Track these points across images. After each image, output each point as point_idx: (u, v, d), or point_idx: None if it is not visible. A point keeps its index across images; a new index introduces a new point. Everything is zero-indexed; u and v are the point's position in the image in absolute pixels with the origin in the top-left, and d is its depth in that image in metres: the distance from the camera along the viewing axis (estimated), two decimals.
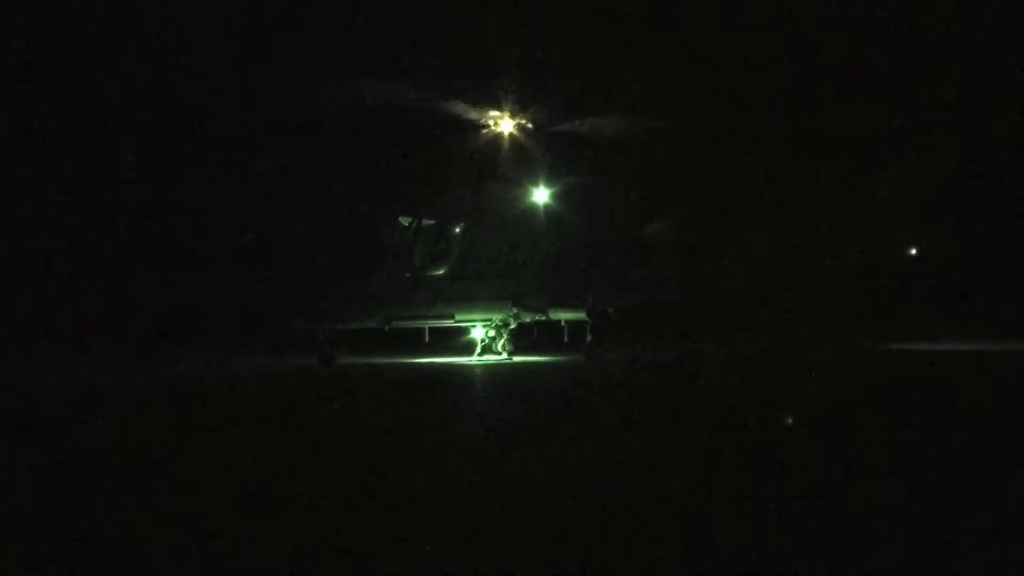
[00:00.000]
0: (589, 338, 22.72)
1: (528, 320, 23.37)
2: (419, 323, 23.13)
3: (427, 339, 23.66)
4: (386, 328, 22.68)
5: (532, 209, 23.22)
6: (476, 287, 22.72)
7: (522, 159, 22.98)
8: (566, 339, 23.58)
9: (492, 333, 23.52)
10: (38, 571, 4.86)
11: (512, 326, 23.34)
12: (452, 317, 22.95)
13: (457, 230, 23.02)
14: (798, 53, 28.49)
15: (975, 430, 9.09)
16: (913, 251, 24.43)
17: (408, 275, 22.51)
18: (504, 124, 22.87)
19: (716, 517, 5.67)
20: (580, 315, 22.85)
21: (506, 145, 22.96)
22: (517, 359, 22.64)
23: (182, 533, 5.48)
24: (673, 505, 6.02)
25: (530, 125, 22.85)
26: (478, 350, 23.59)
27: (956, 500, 6.00)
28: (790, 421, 10.00)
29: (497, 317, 23.17)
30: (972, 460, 7.39)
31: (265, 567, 4.85)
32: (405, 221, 23.14)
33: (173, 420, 11.46)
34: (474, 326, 23.71)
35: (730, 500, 6.12)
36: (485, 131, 22.89)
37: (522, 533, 5.37)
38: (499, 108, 22.70)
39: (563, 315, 23.22)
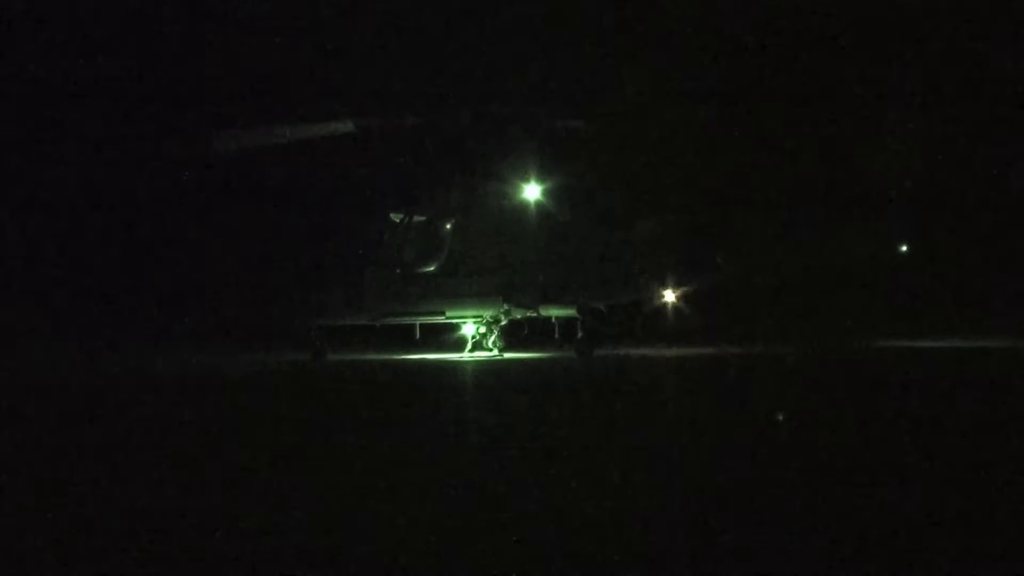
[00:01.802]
0: (580, 335, 22.74)
1: (519, 316, 23.36)
2: (410, 319, 23.14)
3: (418, 335, 23.67)
4: (377, 324, 22.72)
5: (523, 205, 23.22)
6: (467, 283, 22.74)
7: (513, 155, 22.97)
8: (557, 335, 23.58)
9: (483, 329, 23.50)
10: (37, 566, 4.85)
11: (503, 322, 23.32)
12: (443, 313, 22.95)
13: (448, 226, 23.04)
14: (791, 48, 28.53)
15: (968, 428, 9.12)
16: (904, 248, 24.46)
17: (399, 271, 22.54)
18: (497, 120, 22.87)
19: (708, 514, 5.68)
20: (571, 311, 22.87)
21: (499, 141, 22.94)
22: (508, 355, 22.64)
23: (178, 528, 5.47)
24: (666, 503, 6.03)
25: (523, 121, 22.84)
26: (468, 346, 23.57)
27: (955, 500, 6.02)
28: (780, 418, 10.02)
29: (488, 313, 23.16)
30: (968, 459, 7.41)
31: (257, 563, 4.85)
32: (396, 217, 23.16)
33: (164, 417, 11.43)
34: (465, 322, 23.70)
35: (720, 497, 6.13)
36: (477, 127, 22.87)
37: (513, 531, 5.37)
38: (493, 104, 22.70)
39: (554, 311, 23.23)
